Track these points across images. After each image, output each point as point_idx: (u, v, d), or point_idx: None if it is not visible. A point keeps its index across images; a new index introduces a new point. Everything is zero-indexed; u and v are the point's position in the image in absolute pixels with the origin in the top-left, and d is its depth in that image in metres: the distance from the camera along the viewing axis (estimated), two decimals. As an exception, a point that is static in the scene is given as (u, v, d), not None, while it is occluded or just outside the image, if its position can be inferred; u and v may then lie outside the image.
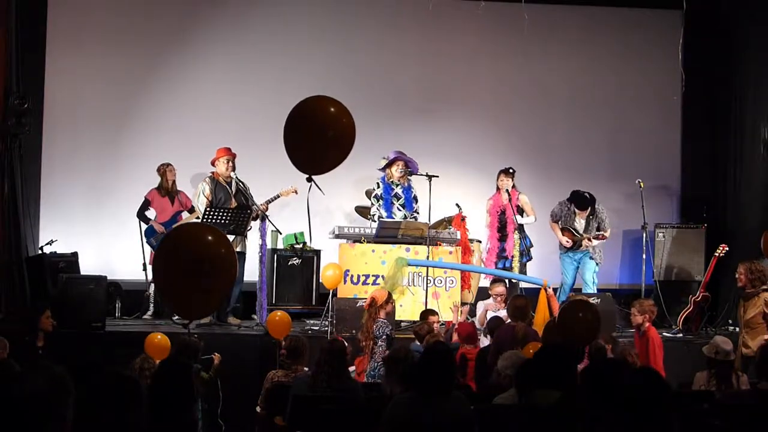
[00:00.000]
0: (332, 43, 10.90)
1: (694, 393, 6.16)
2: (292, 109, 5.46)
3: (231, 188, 9.04)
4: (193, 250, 4.58)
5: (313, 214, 10.34)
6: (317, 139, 5.31)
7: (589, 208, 9.47)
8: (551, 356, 4.57)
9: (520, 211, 9.60)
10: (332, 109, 5.39)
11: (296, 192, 9.08)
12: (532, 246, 9.58)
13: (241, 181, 9.04)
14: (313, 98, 5.58)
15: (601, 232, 9.45)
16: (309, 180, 5.43)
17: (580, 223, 9.48)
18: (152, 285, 9.46)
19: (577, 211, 9.48)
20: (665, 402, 3.12)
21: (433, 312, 7.73)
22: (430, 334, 6.99)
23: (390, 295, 7.59)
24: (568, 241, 9.42)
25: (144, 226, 9.69)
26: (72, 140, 10.40)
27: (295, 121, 5.36)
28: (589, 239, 9.37)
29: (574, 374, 4.49)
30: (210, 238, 4.63)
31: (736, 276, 8.03)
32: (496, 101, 11.19)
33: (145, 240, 9.65)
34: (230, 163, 9.02)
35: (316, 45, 10.85)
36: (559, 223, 9.52)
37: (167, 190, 9.72)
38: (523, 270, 9.51)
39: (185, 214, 9.72)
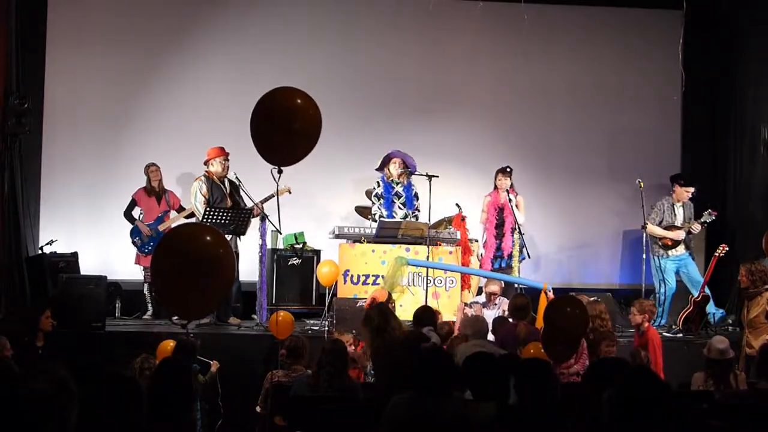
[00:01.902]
0: (332, 43, 10.90)
1: (693, 393, 6.16)
2: (258, 101, 5.41)
3: (225, 187, 9.03)
4: (191, 250, 4.56)
5: (313, 214, 10.48)
6: (282, 131, 5.25)
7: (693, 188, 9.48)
8: (481, 365, 4.59)
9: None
10: (298, 101, 5.32)
11: (290, 191, 9.07)
12: (524, 246, 9.56)
13: (237, 179, 9.02)
14: (279, 89, 5.51)
15: (701, 219, 9.42)
16: (279, 172, 5.41)
17: (678, 215, 9.50)
18: (145, 285, 9.50)
19: (675, 202, 9.48)
20: (664, 402, 3.12)
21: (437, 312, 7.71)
22: (451, 333, 6.98)
23: (390, 295, 7.60)
24: (679, 235, 9.33)
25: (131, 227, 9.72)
26: (72, 140, 10.40)
27: (260, 113, 5.31)
28: (694, 225, 9.38)
29: (507, 385, 4.50)
30: (208, 238, 4.62)
31: (738, 278, 8.06)
32: (496, 101, 11.19)
33: (130, 240, 9.67)
34: (225, 162, 9.00)
35: (316, 45, 10.85)
36: (662, 224, 9.46)
37: (154, 190, 9.73)
38: (518, 269, 9.50)
39: (173, 214, 9.74)
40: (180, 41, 10.69)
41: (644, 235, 9.69)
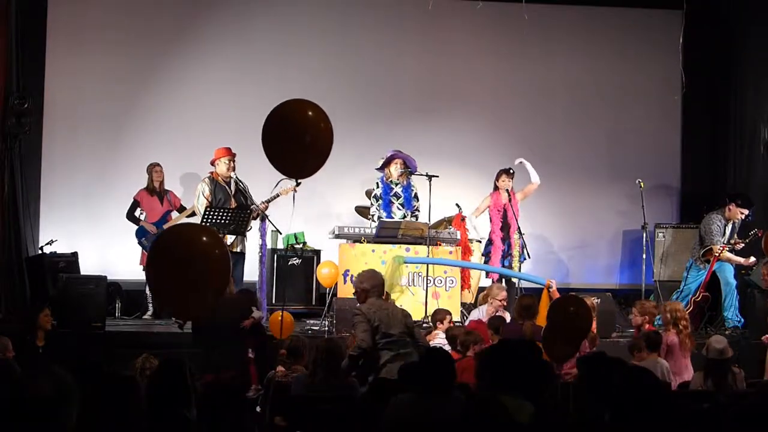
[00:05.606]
0: (332, 43, 10.90)
1: (693, 393, 6.17)
2: (269, 114, 5.33)
3: (230, 188, 9.02)
4: (186, 249, 4.53)
5: (312, 214, 10.48)
6: (295, 144, 5.21)
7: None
8: (514, 354, 4.15)
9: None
10: (310, 113, 5.28)
11: (295, 190, 9.05)
12: (524, 246, 9.54)
13: (240, 181, 9.02)
14: (291, 102, 5.45)
15: (747, 240, 9.16)
16: (297, 184, 5.44)
17: (726, 233, 9.23)
18: (147, 285, 9.48)
19: (726, 220, 9.19)
20: (663, 402, 3.12)
21: (446, 311, 7.70)
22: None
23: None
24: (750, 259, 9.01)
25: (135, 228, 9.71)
26: (72, 140, 10.40)
27: (271, 126, 5.25)
28: (738, 245, 9.18)
29: (544, 380, 4.23)
30: (204, 238, 4.59)
31: (761, 278, 8.09)
32: (496, 101, 11.20)
33: (137, 241, 9.65)
34: (231, 163, 8.99)
35: (316, 45, 10.85)
36: (722, 240, 9.16)
37: (156, 190, 9.72)
38: (520, 270, 9.49)
39: (174, 214, 9.73)
40: (180, 41, 10.69)
41: (644, 235, 9.68)
